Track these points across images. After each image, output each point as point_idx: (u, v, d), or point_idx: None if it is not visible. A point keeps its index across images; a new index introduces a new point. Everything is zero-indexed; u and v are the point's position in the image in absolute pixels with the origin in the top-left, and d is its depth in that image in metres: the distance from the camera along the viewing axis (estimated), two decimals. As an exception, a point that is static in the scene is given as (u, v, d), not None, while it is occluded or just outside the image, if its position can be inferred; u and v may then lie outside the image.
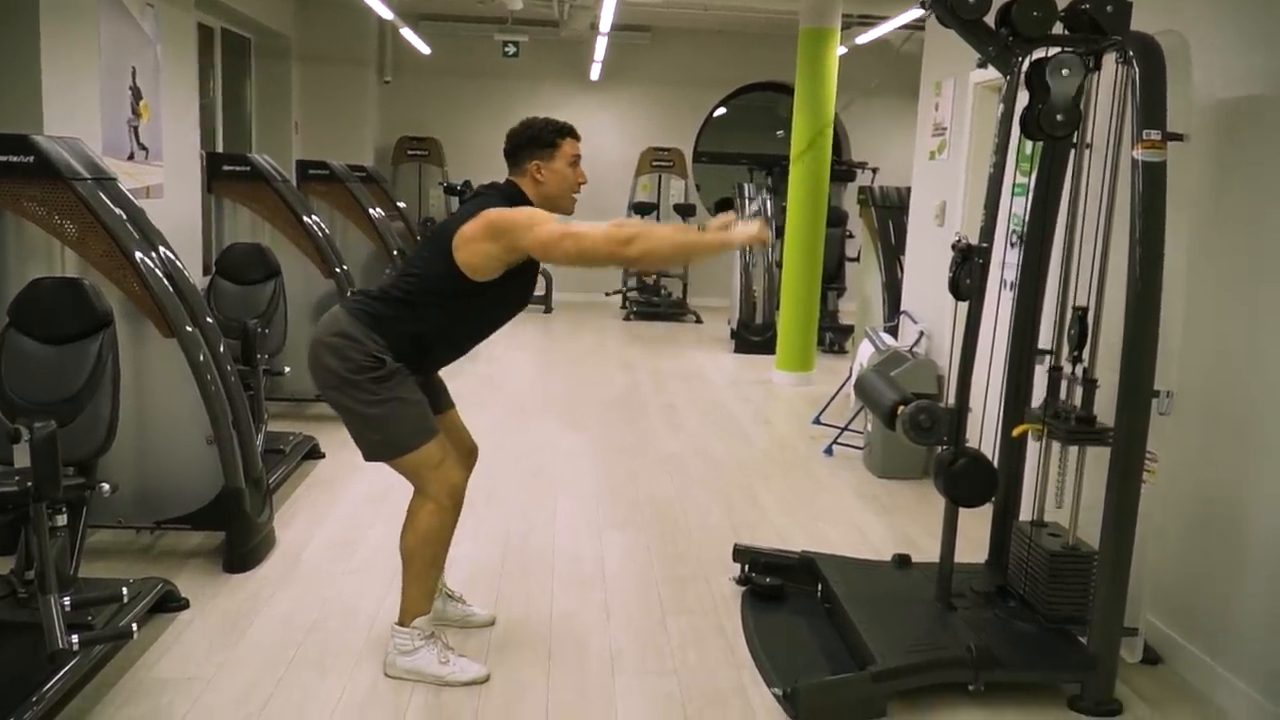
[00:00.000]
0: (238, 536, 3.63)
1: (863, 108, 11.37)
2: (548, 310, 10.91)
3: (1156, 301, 2.71)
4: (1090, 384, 2.94)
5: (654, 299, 10.87)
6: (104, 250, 3.50)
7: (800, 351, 7.51)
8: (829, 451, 5.61)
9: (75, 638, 2.51)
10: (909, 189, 6.13)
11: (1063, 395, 3.11)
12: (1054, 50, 2.88)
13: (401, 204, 8.61)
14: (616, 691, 2.89)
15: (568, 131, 2.88)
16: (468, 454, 3.19)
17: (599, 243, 2.67)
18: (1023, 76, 2.98)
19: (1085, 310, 2.96)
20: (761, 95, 11.98)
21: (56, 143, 3.51)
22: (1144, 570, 2.93)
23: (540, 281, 10.93)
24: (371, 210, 7.20)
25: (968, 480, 3.07)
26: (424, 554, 2.89)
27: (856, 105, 11.34)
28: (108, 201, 3.53)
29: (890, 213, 6.98)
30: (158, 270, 3.54)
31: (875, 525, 4.46)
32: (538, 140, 2.85)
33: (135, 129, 6.85)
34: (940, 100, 5.31)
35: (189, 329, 3.57)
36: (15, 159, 3.42)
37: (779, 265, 8.17)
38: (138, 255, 3.50)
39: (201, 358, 3.58)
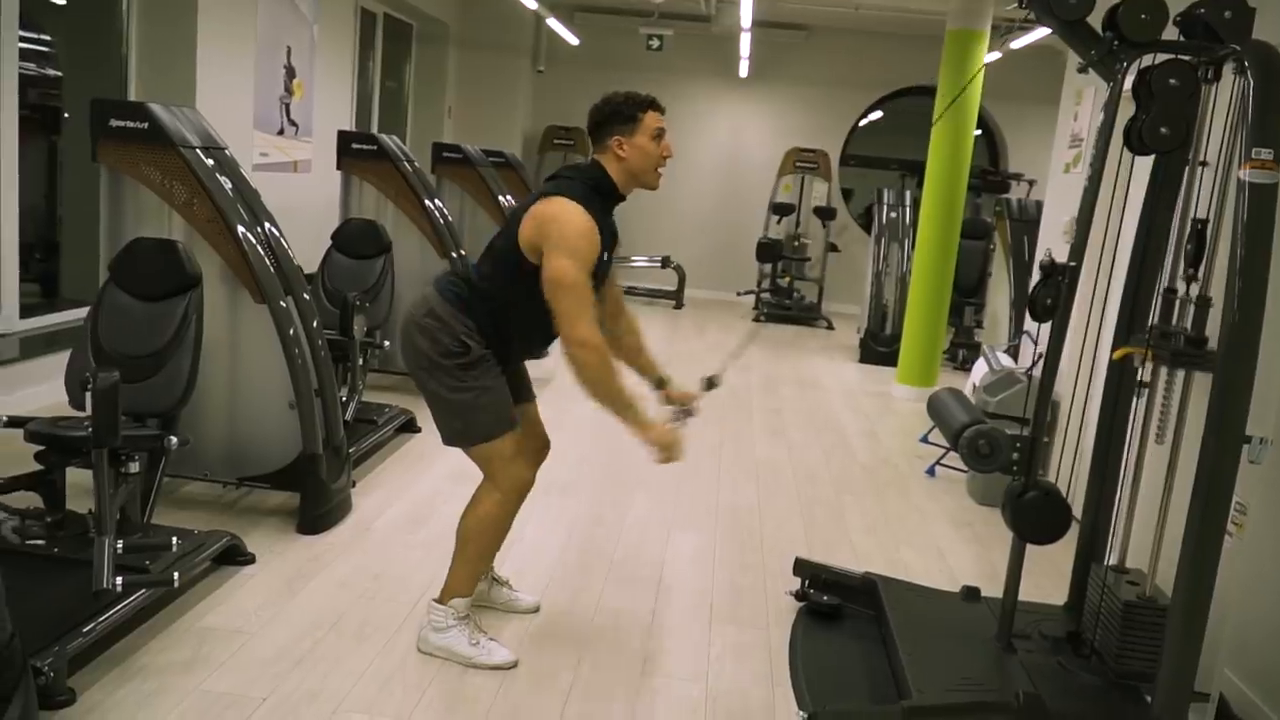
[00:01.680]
0: (311, 500, 3.75)
1: (1019, 115, 10.86)
2: (678, 305, 10.88)
3: (1255, 338, 2.44)
4: (1204, 302, 2.65)
5: (786, 301, 10.69)
6: (208, 216, 3.67)
7: (923, 365, 7.23)
8: (931, 472, 5.37)
9: (120, 580, 2.63)
10: (1046, 203, 5.79)
11: (1175, 320, 2.81)
12: (1163, 57, 2.64)
13: (538, 191, 8.71)
14: (639, 693, 2.84)
15: (650, 104, 2.75)
16: (540, 448, 3.17)
17: (570, 326, 2.65)
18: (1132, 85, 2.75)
19: (1204, 223, 2.68)
20: (915, 99, 11.60)
21: (173, 112, 3.71)
22: (1224, 630, 2.67)
23: (673, 276, 10.97)
24: (502, 196, 7.33)
25: (1035, 515, 2.87)
26: (479, 541, 2.92)
27: (1015, 113, 10.85)
28: (215, 171, 3.70)
29: (1026, 227, 6.63)
30: (254, 240, 3.69)
31: (961, 554, 4.23)
32: (618, 114, 2.74)
33: (287, 106, 7.20)
34: (1080, 110, 4.99)
35: (281, 299, 3.71)
36: (133, 125, 3.63)
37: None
38: (238, 224, 3.66)
39: (291, 328, 3.72)
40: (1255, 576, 2.86)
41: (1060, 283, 2.76)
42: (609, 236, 2.78)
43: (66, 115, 5.75)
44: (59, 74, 5.87)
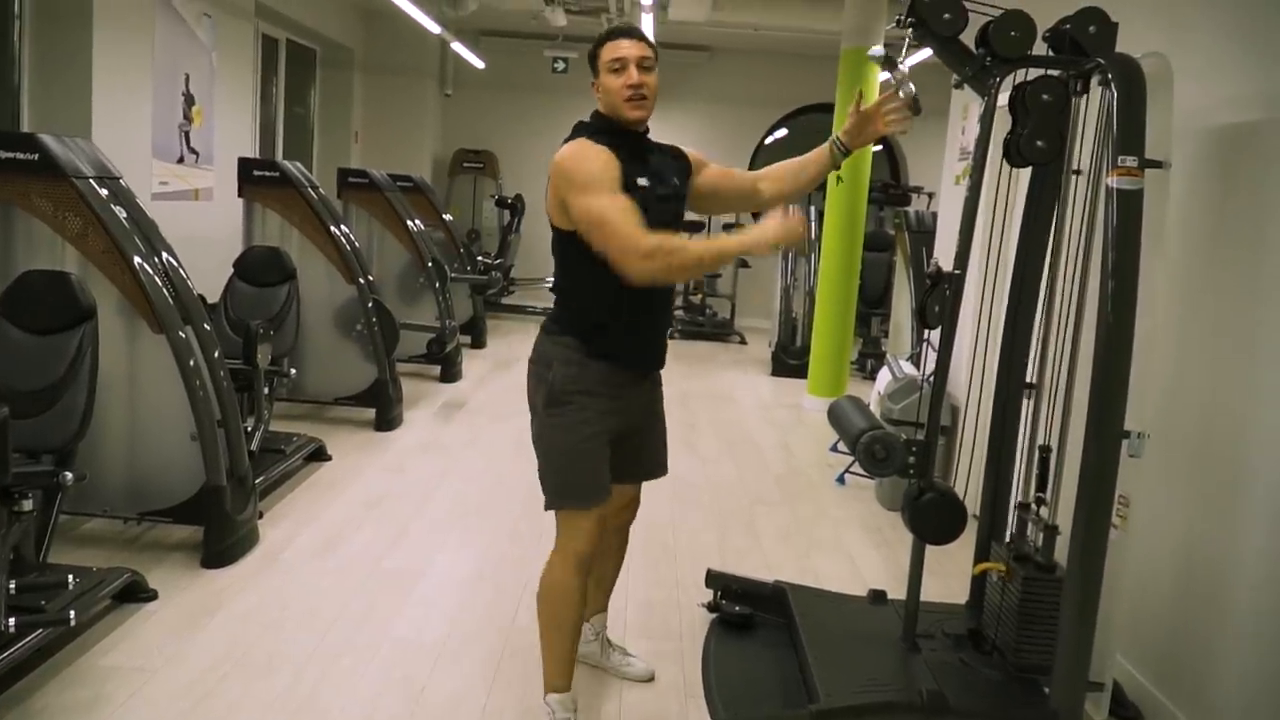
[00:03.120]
0: (215, 532, 3.68)
1: (916, 129, 11.18)
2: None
3: (1128, 336, 2.57)
4: (1052, 531, 2.87)
5: (699, 318, 10.81)
6: (103, 247, 3.59)
7: (832, 376, 7.38)
8: (841, 480, 5.49)
9: (12, 620, 2.56)
10: (942, 215, 5.98)
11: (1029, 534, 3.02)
12: (1035, 72, 2.78)
13: (447, 215, 8.71)
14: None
15: (605, 37, 2.51)
16: (625, 506, 2.84)
17: (625, 248, 2.33)
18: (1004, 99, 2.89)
19: (1049, 450, 2.89)
20: (819, 116, 11.86)
21: (65, 143, 3.63)
22: (1115, 621, 2.79)
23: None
24: (411, 221, 7.30)
25: (933, 516, 2.96)
26: (547, 610, 2.64)
27: (916, 128, 11.18)
28: (110, 201, 3.63)
29: (923, 238, 6.85)
30: (151, 270, 3.62)
31: (871, 559, 4.33)
32: (590, 59, 2.56)
33: (186, 133, 7.06)
34: (967, 124, 5.18)
35: (180, 330, 3.64)
36: (22, 156, 3.54)
37: (820, 289, 8.06)
38: (134, 255, 3.59)
39: (191, 359, 3.65)
40: (1144, 565, 3.00)
41: (946, 290, 2.86)
42: (646, 165, 2.51)
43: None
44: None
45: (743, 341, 10.51)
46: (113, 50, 5.92)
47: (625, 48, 2.47)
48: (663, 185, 2.53)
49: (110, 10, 5.85)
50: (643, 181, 2.45)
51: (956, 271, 2.89)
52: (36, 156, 3.53)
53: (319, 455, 5.03)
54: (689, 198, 2.71)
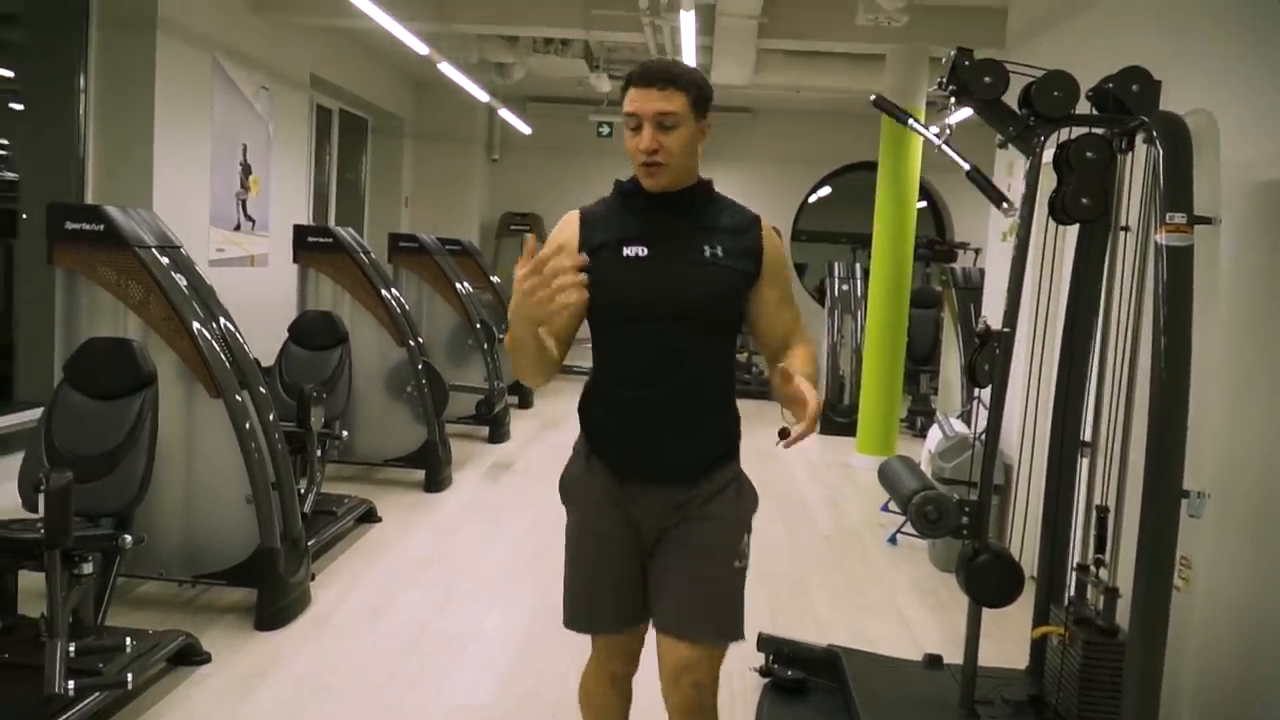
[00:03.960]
0: (268, 595, 3.71)
1: (960, 185, 11.18)
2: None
3: (1183, 393, 2.54)
4: (1112, 594, 2.80)
5: (744, 375, 10.79)
6: (164, 314, 3.70)
7: (881, 434, 7.32)
8: (893, 540, 5.41)
9: (72, 684, 2.60)
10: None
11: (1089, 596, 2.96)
12: (1079, 130, 2.78)
13: (495, 278, 8.84)
14: (605, 777, 2.81)
15: (627, 80, 2.06)
16: (669, 669, 2.16)
17: None
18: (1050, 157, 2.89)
19: (1106, 510, 2.84)
20: (860, 174, 11.92)
21: (129, 213, 3.75)
22: (1181, 685, 2.71)
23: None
24: (459, 283, 7.42)
25: (990, 578, 2.91)
26: (580, 702, 2.42)
27: (955, 184, 11.17)
28: (170, 269, 3.74)
29: (971, 294, 6.80)
30: (209, 335, 3.71)
31: (926, 621, 4.25)
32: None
33: (244, 202, 7.28)
34: (1012, 181, 5.17)
35: (237, 394, 3.72)
36: (88, 227, 3.67)
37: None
38: (193, 321, 3.69)
39: (247, 422, 3.72)
40: (1209, 626, 2.91)
41: (995, 349, 2.85)
42: (653, 227, 2.07)
43: (24, 216, 5.77)
44: (15, 177, 5.91)
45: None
46: (174, 123, 6.14)
47: (640, 100, 2.00)
48: (668, 253, 2.04)
49: (172, 85, 6.08)
50: (631, 251, 2.03)
51: (1006, 329, 2.88)
52: (102, 227, 3.66)
53: (369, 517, 5.07)
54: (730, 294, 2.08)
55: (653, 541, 2.14)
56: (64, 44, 5.82)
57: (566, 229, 2.09)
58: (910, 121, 2.99)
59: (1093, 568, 2.92)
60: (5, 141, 5.80)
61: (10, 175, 5.89)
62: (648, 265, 2.03)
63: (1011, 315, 2.89)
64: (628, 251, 2.04)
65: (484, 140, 11.68)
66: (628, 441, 2.11)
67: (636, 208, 2.10)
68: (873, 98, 3.11)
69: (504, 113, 10.45)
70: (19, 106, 6.05)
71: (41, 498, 2.64)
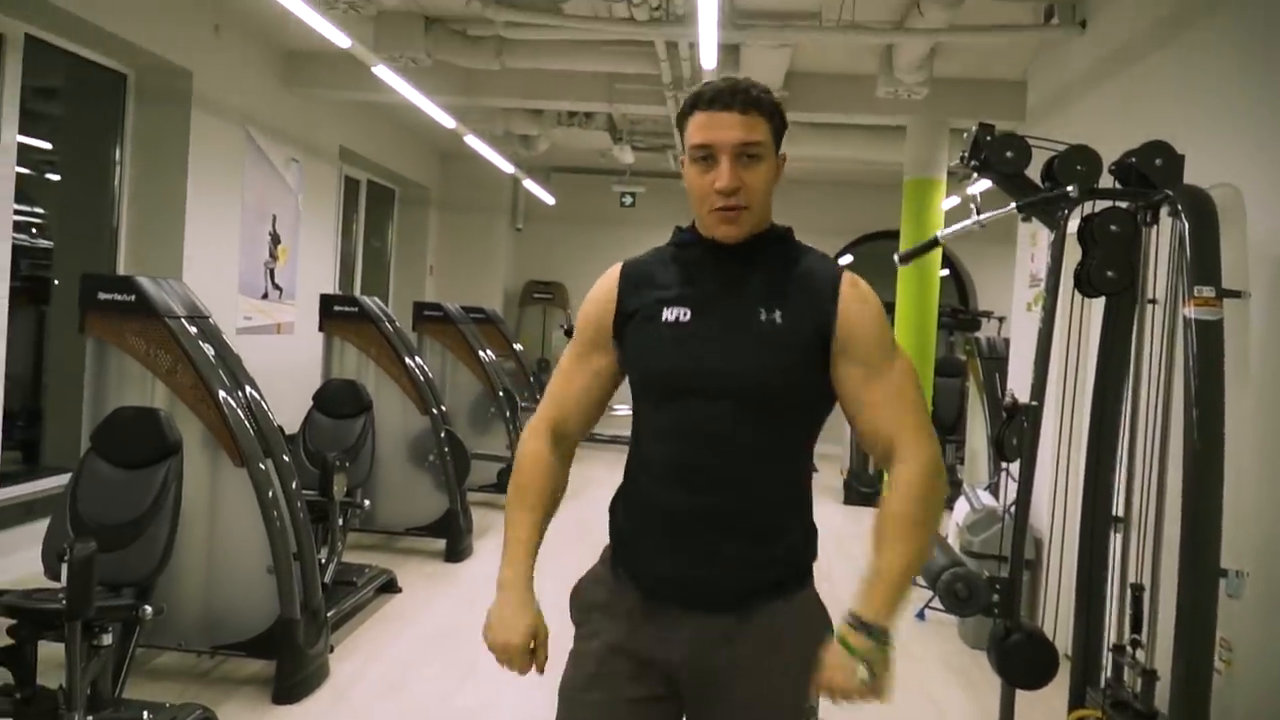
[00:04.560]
0: (287, 667, 3.67)
1: (983, 254, 11.20)
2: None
3: (1217, 468, 2.50)
4: (1150, 676, 2.73)
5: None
6: (190, 383, 3.72)
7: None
8: (921, 616, 5.31)
9: (89, 759, 2.56)
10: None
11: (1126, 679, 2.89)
12: (1102, 204, 2.79)
13: (518, 346, 8.88)
14: None
15: (693, 100, 1.68)
16: None
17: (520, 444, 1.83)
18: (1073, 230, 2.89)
19: (1142, 588, 2.79)
20: (882, 243, 11.97)
21: (159, 284, 3.81)
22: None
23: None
24: (482, 351, 7.46)
25: (1022, 658, 2.84)
26: None
27: (978, 253, 11.21)
28: (198, 339, 3.78)
29: (996, 364, 6.76)
30: (235, 404, 3.73)
31: (956, 701, 4.15)
32: (677, 126, 1.75)
33: (272, 271, 7.38)
34: (1036, 252, 5.18)
35: (260, 463, 3.73)
36: (120, 297, 3.72)
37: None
38: (219, 389, 3.71)
39: (270, 491, 3.72)
40: (1252, 710, 2.83)
41: (1024, 422, 2.82)
42: (703, 286, 1.71)
43: (56, 283, 5.87)
44: (50, 245, 6.02)
45: (813, 469, 10.37)
46: (206, 194, 6.25)
47: (715, 128, 1.63)
48: (718, 317, 1.67)
49: (205, 157, 6.21)
50: (672, 314, 1.68)
51: (1034, 403, 2.86)
52: (134, 298, 3.71)
53: (390, 587, 5.03)
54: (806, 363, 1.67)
55: (693, 695, 1.70)
56: (101, 117, 5.97)
57: (603, 286, 1.78)
58: (938, 236, 3.01)
59: (1129, 648, 2.85)
60: (41, 211, 5.91)
61: (45, 243, 6.00)
62: (690, 332, 1.67)
63: (1039, 388, 2.87)
64: (668, 315, 1.68)
65: (508, 210, 11.82)
66: (661, 556, 1.69)
67: (690, 260, 1.73)
68: (897, 258, 3.14)
69: (528, 183, 10.60)
70: (56, 177, 6.18)
71: (65, 568, 2.64)
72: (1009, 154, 2.82)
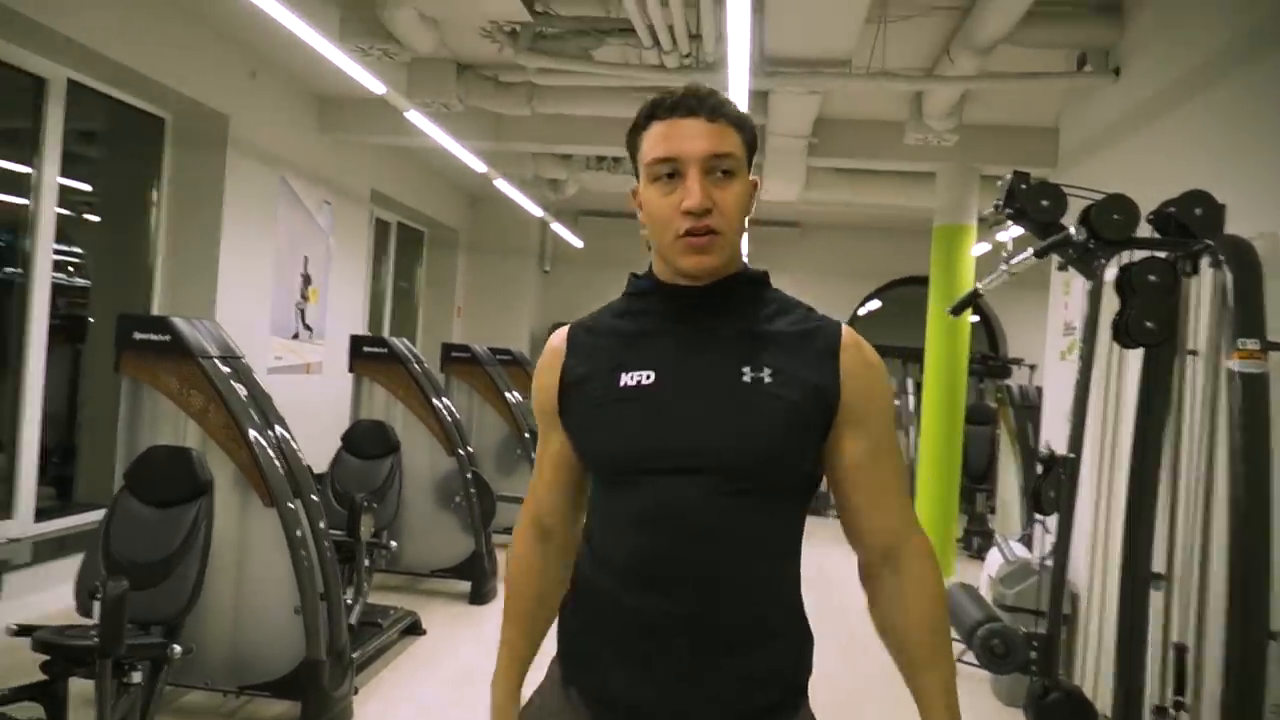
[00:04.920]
0: (312, 709, 3.64)
1: (1013, 301, 11.14)
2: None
3: (1265, 524, 2.45)
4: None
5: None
6: (223, 422, 3.74)
7: (938, 555, 7.13)
8: (951, 666, 5.21)
9: (113, 802, 2.54)
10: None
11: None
12: (1140, 254, 2.76)
13: (545, 387, 8.87)
14: None
15: (650, 109, 1.42)
16: None
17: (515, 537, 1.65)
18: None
19: (1184, 648, 2.72)
20: (912, 288, 11.95)
21: (194, 324, 3.84)
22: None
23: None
24: (509, 393, 7.46)
25: (1059, 718, 2.78)
26: None
27: (1009, 299, 11.15)
28: (230, 378, 3.80)
29: (1029, 413, 6.70)
30: (265, 443, 3.75)
31: (988, 754, 4.06)
32: (629, 149, 1.48)
33: (303, 311, 7.44)
34: (1069, 300, 5.14)
35: (290, 502, 3.73)
36: (155, 337, 3.76)
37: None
38: (250, 429, 3.73)
39: (299, 531, 3.72)
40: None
41: (1060, 474, 2.78)
42: (664, 342, 1.44)
43: (92, 321, 5.94)
44: (87, 284, 6.11)
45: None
46: (240, 236, 6.34)
47: (679, 138, 1.37)
48: (688, 377, 1.39)
49: (240, 200, 6.30)
50: (632, 378, 1.40)
51: (1071, 455, 2.81)
52: (168, 338, 3.74)
53: (414, 629, 5.00)
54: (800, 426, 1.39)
55: None
56: (140, 160, 6.08)
57: (547, 356, 1.52)
58: (978, 287, 3.01)
59: (1172, 710, 2.78)
60: (79, 250, 6.01)
61: (82, 283, 6.09)
62: (653, 397, 1.38)
63: (1077, 440, 2.82)
64: (626, 379, 1.40)
65: (536, 252, 11.90)
66: (626, 678, 1.39)
67: (650, 310, 1.45)
68: (949, 311, 3.15)
69: (556, 226, 10.68)
70: (94, 218, 6.29)
71: (97, 605, 2.64)
72: (1044, 202, 2.80)
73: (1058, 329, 5.37)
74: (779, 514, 1.42)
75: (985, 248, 8.25)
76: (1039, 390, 6.87)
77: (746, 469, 1.37)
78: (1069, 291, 5.22)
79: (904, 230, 10.67)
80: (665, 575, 1.37)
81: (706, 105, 1.39)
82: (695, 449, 1.37)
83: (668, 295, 1.45)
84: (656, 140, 1.39)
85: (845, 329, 1.44)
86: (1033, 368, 9.85)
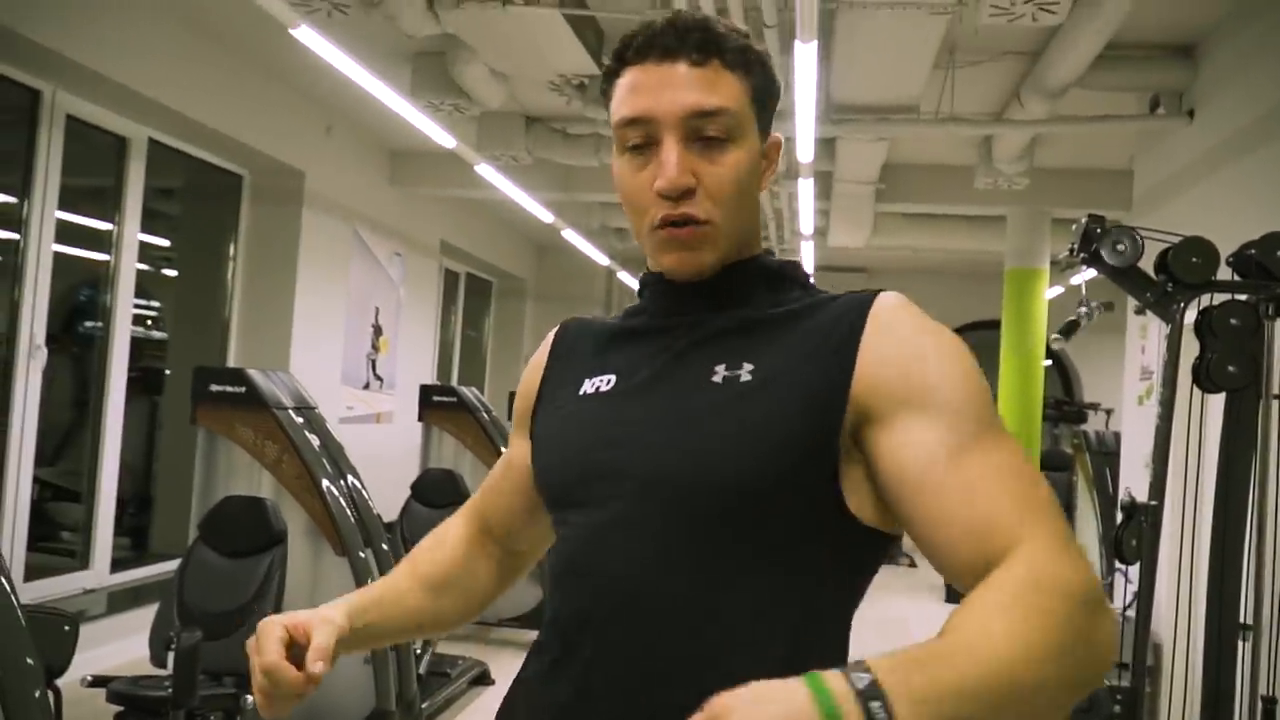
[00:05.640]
0: (381, 760, 3.65)
1: (1087, 344, 10.90)
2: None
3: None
4: None
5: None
6: (296, 473, 3.81)
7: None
8: (1031, 723, 5.04)
9: None
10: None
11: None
12: (1220, 297, 2.68)
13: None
14: None
15: (618, 56, 1.05)
16: None
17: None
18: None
19: (1274, 701, 2.60)
20: (982, 333, 11.75)
21: (269, 376, 3.93)
22: None
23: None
24: (576, 440, 7.50)
25: (1147, 775, 2.66)
26: None
27: (1082, 343, 10.92)
28: (304, 429, 3.88)
29: (1106, 459, 6.50)
30: (337, 493, 3.80)
31: (1073, 816, 3.89)
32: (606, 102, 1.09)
33: (373, 361, 7.58)
34: (1146, 344, 5.01)
35: (361, 552, 3.77)
36: (231, 389, 3.85)
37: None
38: (323, 479, 3.79)
39: (370, 580, 3.75)
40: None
41: (1143, 523, 2.69)
42: (640, 343, 1.09)
43: (168, 373, 6.12)
44: (164, 337, 6.30)
45: (912, 564, 10.05)
46: (314, 288, 6.49)
47: (655, 87, 1.01)
48: (653, 380, 1.03)
49: (314, 253, 6.47)
50: (592, 384, 1.08)
51: (1153, 502, 2.73)
52: (244, 390, 3.83)
53: (483, 679, 4.99)
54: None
55: None
56: (218, 216, 6.29)
57: (533, 360, 1.22)
58: (1083, 331, 2.99)
59: (1266, 770, 2.65)
60: (157, 304, 6.21)
61: (159, 335, 6.29)
62: (601, 407, 1.04)
63: (1158, 488, 2.74)
64: (587, 386, 1.07)
65: (602, 301, 11.99)
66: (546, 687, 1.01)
67: (644, 308, 1.13)
68: (1057, 333, 3.13)
69: (622, 275, 10.76)
70: (172, 272, 6.50)
71: (171, 656, 2.68)
72: (1121, 247, 2.74)
73: (1135, 373, 5.24)
74: (760, 575, 0.93)
75: (1058, 290, 8.11)
76: (1116, 436, 6.67)
77: (693, 503, 0.93)
78: (1145, 336, 5.09)
79: (973, 274, 10.53)
80: (580, 659, 0.95)
81: (691, 42, 0.99)
82: (619, 472, 0.97)
83: (660, 289, 1.09)
84: (624, 95, 1.01)
85: (881, 296, 1.01)
86: (1109, 412, 9.59)
